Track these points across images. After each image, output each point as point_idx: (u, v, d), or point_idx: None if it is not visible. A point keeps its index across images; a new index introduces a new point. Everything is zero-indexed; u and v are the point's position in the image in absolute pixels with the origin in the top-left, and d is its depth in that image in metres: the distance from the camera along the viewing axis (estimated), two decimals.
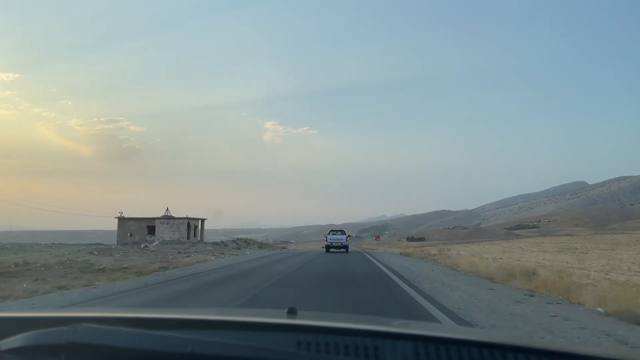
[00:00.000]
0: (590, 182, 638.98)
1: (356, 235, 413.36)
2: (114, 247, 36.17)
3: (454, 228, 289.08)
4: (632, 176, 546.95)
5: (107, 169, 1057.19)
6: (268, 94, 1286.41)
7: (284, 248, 55.73)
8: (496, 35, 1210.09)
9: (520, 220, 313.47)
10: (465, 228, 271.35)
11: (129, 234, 52.17)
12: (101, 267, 16.36)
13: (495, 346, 1.11)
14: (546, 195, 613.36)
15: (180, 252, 28.05)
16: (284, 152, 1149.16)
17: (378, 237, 71.16)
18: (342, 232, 33.20)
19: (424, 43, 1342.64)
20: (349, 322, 1.40)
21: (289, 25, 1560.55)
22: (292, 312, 1.43)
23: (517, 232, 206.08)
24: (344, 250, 30.89)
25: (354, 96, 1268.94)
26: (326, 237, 31.96)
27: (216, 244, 41.63)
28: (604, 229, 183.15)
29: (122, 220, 53.97)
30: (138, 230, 52.52)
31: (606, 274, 23.26)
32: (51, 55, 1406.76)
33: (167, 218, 53.17)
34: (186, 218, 53.80)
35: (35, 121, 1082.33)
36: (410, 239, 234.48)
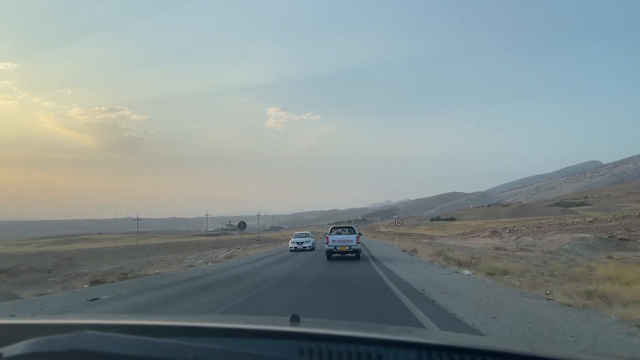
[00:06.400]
0: (604, 161, 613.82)
1: (362, 219, 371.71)
2: None
3: (489, 206, 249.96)
4: None
5: (109, 159, 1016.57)
6: (270, 80, 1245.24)
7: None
8: (502, 14, 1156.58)
9: (562, 198, 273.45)
10: (505, 205, 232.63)
11: None
12: None
13: (500, 354, 1.09)
14: (562, 175, 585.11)
15: None
16: (287, 138, 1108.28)
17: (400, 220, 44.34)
18: (351, 229, 22.82)
19: (430, 23, 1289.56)
20: (352, 330, 1.36)
21: (291, 8, 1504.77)
22: (294, 319, 1.40)
23: (572, 209, 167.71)
24: (354, 254, 20.34)
25: (358, 81, 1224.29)
26: (327, 237, 20.75)
27: None
28: None
29: None
30: None
31: None
32: (48, 42, 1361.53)
33: None
34: None
35: (35, 111, 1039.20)
36: (436, 219, 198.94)
